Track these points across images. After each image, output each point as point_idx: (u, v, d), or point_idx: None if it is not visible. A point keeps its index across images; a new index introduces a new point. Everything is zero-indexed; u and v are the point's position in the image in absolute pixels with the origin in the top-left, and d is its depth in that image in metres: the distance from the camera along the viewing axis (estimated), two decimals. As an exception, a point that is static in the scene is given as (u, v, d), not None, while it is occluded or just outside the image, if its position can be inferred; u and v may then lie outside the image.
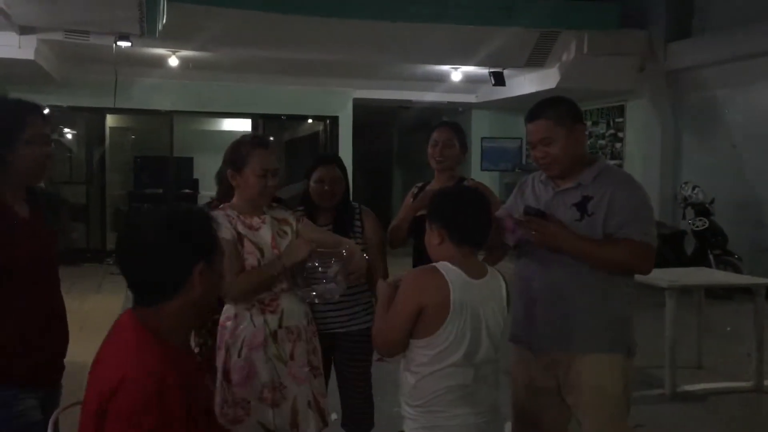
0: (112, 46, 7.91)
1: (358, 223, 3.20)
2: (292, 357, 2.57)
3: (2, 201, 2.15)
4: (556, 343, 2.48)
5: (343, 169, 3.23)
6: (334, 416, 3.45)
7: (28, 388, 2.09)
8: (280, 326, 2.55)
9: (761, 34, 7.90)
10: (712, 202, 8.47)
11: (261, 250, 2.55)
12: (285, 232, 2.65)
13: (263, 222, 2.60)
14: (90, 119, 11.29)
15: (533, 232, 2.40)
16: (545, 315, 2.49)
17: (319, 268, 2.53)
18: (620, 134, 10.67)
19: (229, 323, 2.57)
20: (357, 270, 2.64)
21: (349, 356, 3.18)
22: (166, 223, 1.61)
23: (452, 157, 3.39)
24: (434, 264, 2.14)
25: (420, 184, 3.58)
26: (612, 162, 10.73)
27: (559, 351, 2.48)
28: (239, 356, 2.52)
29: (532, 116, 2.51)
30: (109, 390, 1.46)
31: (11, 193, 2.17)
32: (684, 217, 8.69)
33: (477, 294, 2.11)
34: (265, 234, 2.58)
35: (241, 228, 2.55)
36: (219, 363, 2.57)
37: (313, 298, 2.60)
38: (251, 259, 2.54)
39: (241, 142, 2.64)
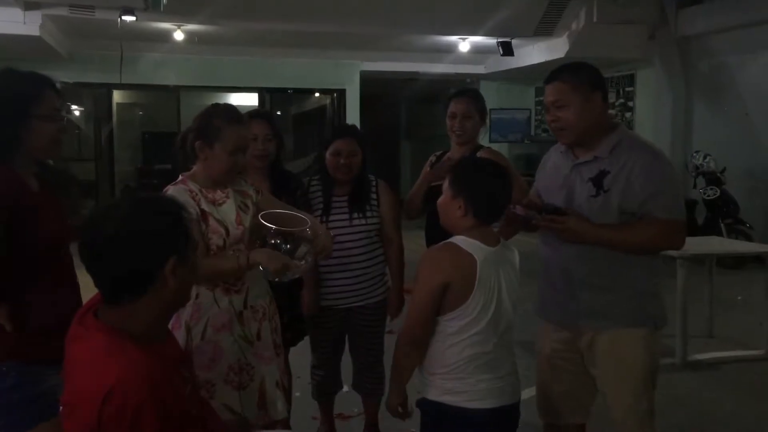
0: (117, 21, 7.86)
1: (374, 196, 3.18)
2: (258, 337, 2.48)
3: (21, 179, 2.13)
4: (578, 319, 2.45)
5: (362, 141, 3.17)
6: (346, 388, 3.49)
7: (56, 366, 2.10)
8: (245, 306, 2.46)
9: (775, -1, 7.77)
10: (723, 171, 8.40)
11: (226, 229, 2.41)
12: (247, 206, 2.52)
13: (227, 196, 2.46)
14: (97, 95, 11.26)
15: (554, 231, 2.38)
16: (567, 291, 2.45)
17: (285, 246, 2.37)
18: (630, 103, 10.56)
19: (189, 302, 2.36)
20: (324, 249, 2.53)
21: (366, 328, 3.20)
22: (133, 217, 1.50)
23: (471, 129, 3.33)
24: (449, 241, 2.14)
25: (438, 153, 3.52)
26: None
27: (581, 326, 2.45)
28: (202, 338, 2.40)
29: (549, 78, 2.44)
30: (99, 402, 1.38)
31: (23, 170, 2.16)
32: (695, 186, 8.63)
33: (496, 262, 2.14)
34: (229, 209, 2.45)
35: (204, 204, 2.39)
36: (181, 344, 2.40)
37: (275, 277, 2.41)
38: (216, 239, 2.39)
39: (214, 113, 2.46)
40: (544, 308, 2.59)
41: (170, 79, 10.81)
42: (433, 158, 3.50)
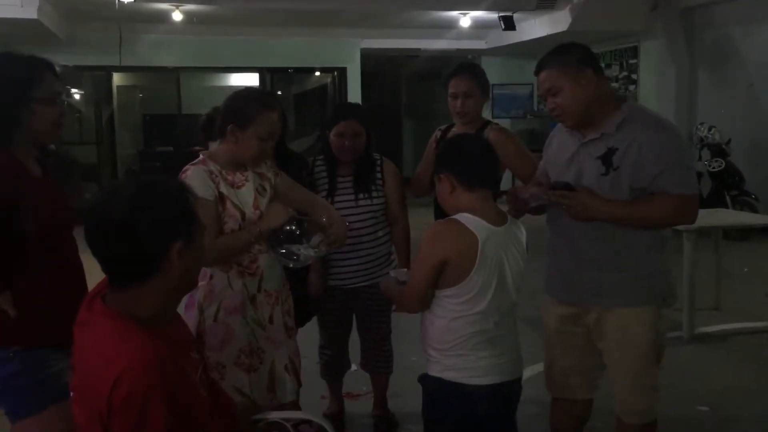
0: (115, 2, 7.79)
1: (378, 175, 3.16)
2: (270, 321, 2.48)
3: (22, 163, 2.11)
4: (586, 298, 2.44)
5: (365, 121, 3.12)
6: (354, 367, 3.50)
7: (61, 350, 2.10)
8: (259, 290, 2.46)
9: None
10: (728, 142, 8.35)
11: (242, 213, 2.41)
12: (265, 189, 2.52)
13: (246, 179, 2.45)
14: (97, 78, 11.20)
15: (563, 207, 2.34)
16: (575, 270, 2.45)
17: (297, 232, 2.42)
18: (634, 76, 10.48)
19: (203, 283, 2.43)
20: (338, 239, 2.54)
21: (373, 307, 3.20)
22: (137, 200, 1.48)
23: (474, 107, 3.18)
24: (453, 217, 2.12)
25: (443, 128, 3.43)
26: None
27: (589, 304, 2.45)
28: (215, 320, 2.41)
29: (538, 67, 2.41)
30: (108, 388, 1.38)
31: (24, 154, 2.14)
32: (700, 159, 8.58)
33: (500, 241, 2.12)
34: (248, 193, 2.44)
35: (223, 187, 2.39)
36: (191, 324, 2.42)
37: (290, 263, 2.48)
38: (231, 223, 2.39)
39: (248, 97, 2.46)
40: (551, 286, 2.59)
41: (170, 60, 10.74)
42: (438, 133, 3.44)
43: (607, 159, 2.32)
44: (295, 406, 2.61)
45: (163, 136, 11.68)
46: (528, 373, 2.79)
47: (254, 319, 2.46)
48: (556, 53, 2.40)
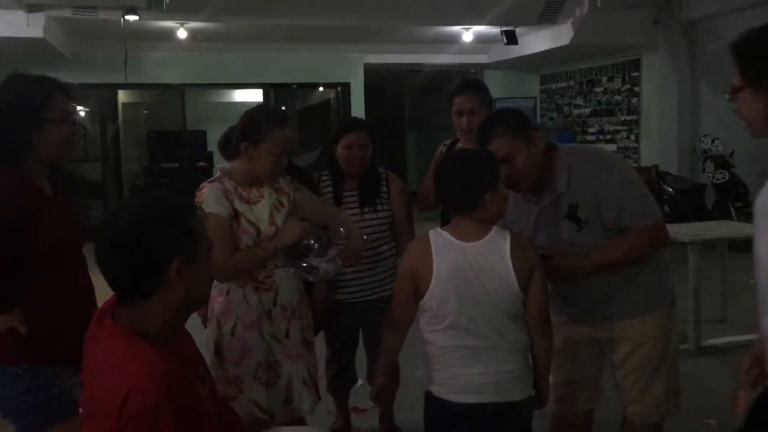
0: (120, 21, 7.86)
1: (384, 188, 3.18)
2: (287, 335, 2.51)
3: (35, 183, 2.14)
4: (595, 318, 2.47)
5: (372, 134, 3.17)
6: (361, 381, 3.50)
7: (70, 367, 2.11)
8: (274, 304, 2.49)
9: (780, -20, 7.70)
10: (732, 154, 8.35)
11: (257, 229, 2.45)
12: (282, 204, 2.55)
13: (262, 195, 2.50)
14: (102, 96, 11.28)
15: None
16: (574, 296, 2.49)
17: (316, 246, 2.47)
18: (636, 89, 10.50)
19: (220, 299, 2.49)
20: (355, 253, 2.61)
21: (379, 321, 3.18)
22: (138, 217, 1.51)
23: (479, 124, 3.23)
24: (426, 232, 2.17)
25: (448, 142, 3.46)
26: (628, 117, 10.61)
27: (599, 323, 2.47)
28: (232, 335, 2.45)
29: (482, 137, 2.33)
30: (118, 404, 1.39)
31: (36, 173, 2.17)
32: (704, 171, 8.59)
33: (467, 257, 2.08)
34: (263, 209, 2.49)
35: (238, 204, 2.44)
36: (210, 339, 2.51)
37: (308, 277, 2.55)
38: (246, 239, 2.44)
39: (260, 114, 2.52)
40: (557, 310, 2.54)
41: (174, 77, 10.82)
42: (443, 147, 3.46)
43: (573, 216, 2.34)
44: (302, 420, 2.62)
45: (168, 153, 11.73)
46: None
47: (270, 333, 2.50)
48: (500, 121, 2.35)
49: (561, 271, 2.31)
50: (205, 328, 2.63)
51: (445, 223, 3.27)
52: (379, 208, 3.13)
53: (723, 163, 8.36)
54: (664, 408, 2.49)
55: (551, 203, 2.37)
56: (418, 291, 2.12)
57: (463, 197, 2.11)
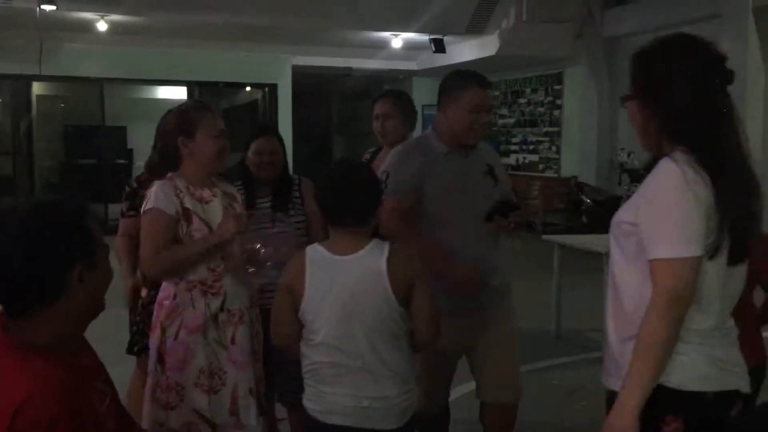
0: (36, 10, 7.53)
1: (297, 195, 3.13)
2: (233, 341, 2.44)
3: None
4: (472, 303, 2.60)
5: (281, 140, 3.14)
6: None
7: None
8: (221, 309, 2.43)
9: (695, 2, 8.08)
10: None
11: (210, 228, 2.41)
12: (234, 209, 2.52)
13: (214, 195, 2.47)
14: (15, 87, 10.79)
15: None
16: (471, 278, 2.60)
17: (262, 249, 2.44)
18: (558, 101, 10.80)
19: (167, 302, 2.43)
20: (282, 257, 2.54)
21: None
22: (27, 228, 1.39)
23: (394, 129, 3.33)
24: (308, 246, 2.10)
25: (371, 150, 3.53)
26: (550, 129, 10.90)
27: (474, 309, 2.62)
28: (176, 339, 2.39)
29: (485, 84, 2.65)
30: (8, 420, 1.30)
31: None
32: (620, 183, 8.90)
33: (340, 271, 1.99)
34: (215, 209, 2.45)
35: (189, 202, 2.40)
36: (153, 344, 2.44)
37: (251, 280, 2.49)
38: (199, 237, 2.40)
39: (184, 109, 2.53)
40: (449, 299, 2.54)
41: (94, 70, 10.43)
42: (367, 155, 3.50)
43: (492, 174, 2.71)
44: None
45: (86, 149, 11.31)
46: (454, 393, 2.81)
47: (216, 339, 2.42)
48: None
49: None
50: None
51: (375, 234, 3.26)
52: (291, 213, 3.08)
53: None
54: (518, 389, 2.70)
55: (476, 160, 2.69)
56: (296, 307, 2.02)
57: (348, 211, 2.01)
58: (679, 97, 1.62)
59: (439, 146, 2.62)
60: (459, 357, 2.74)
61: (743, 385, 1.66)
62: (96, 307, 1.53)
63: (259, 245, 2.44)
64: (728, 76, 1.64)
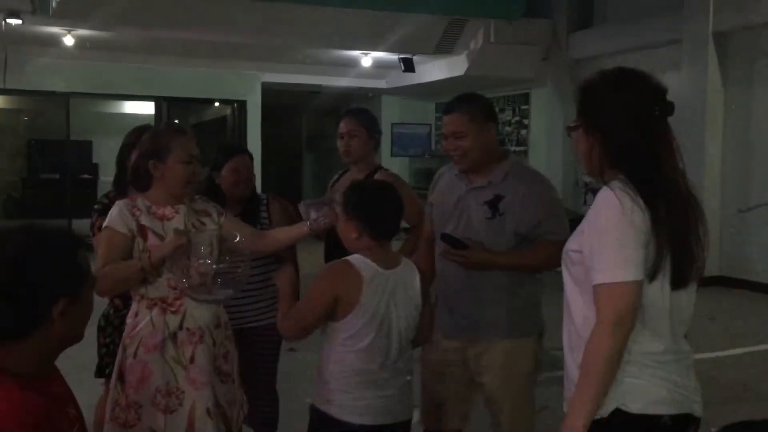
0: (1, 24, 7.43)
1: (264, 213, 3.13)
2: (192, 360, 2.42)
3: None
4: (472, 330, 2.57)
5: (253, 159, 3.20)
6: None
7: None
8: (180, 327, 2.42)
9: (659, 26, 8.31)
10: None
11: None
12: (203, 224, 2.52)
13: (176, 212, 2.47)
14: (-24, 100, 10.63)
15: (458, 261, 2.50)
16: (459, 305, 2.59)
17: (213, 266, 2.39)
18: (525, 121, 10.96)
19: (129, 321, 2.45)
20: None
21: (258, 350, 3.11)
22: (19, 255, 1.37)
23: (358, 148, 3.27)
24: (348, 258, 2.21)
25: (338, 174, 3.49)
26: (518, 148, 11.03)
27: (474, 337, 2.57)
28: (135, 357, 2.38)
29: (448, 109, 2.59)
30: None
31: None
32: (585, 203, 9.05)
33: (388, 284, 2.19)
34: (177, 224, 2.45)
35: (145, 220, 2.41)
36: (117, 362, 2.44)
37: (199, 298, 2.43)
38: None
39: (158, 131, 2.56)
40: (440, 321, 2.63)
41: (59, 85, 10.29)
42: (335, 177, 3.48)
43: (494, 205, 2.52)
44: None
45: (50, 163, 11.14)
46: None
47: (174, 358, 2.40)
48: (467, 101, 2.59)
49: (479, 262, 2.48)
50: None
51: (329, 248, 3.23)
52: None
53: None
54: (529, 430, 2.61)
55: (480, 188, 2.55)
56: (335, 313, 2.16)
57: (397, 226, 2.27)
58: (620, 127, 1.72)
59: (455, 168, 2.67)
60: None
61: (697, 408, 1.72)
62: (73, 339, 1.52)
63: (210, 261, 2.39)
64: (668, 108, 1.73)
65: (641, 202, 1.64)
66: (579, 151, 1.84)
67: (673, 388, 1.68)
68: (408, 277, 2.26)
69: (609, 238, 1.64)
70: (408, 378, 2.29)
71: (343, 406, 2.17)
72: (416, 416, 2.43)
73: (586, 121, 1.80)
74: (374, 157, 3.44)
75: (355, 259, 2.19)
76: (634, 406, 1.65)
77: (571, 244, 1.78)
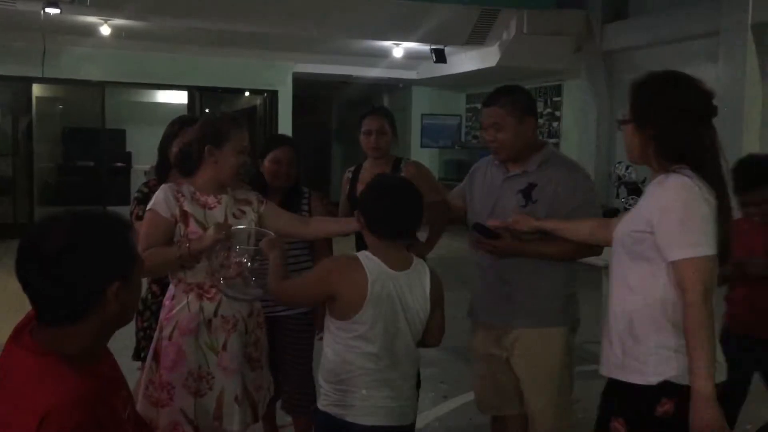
0: (40, 13, 7.56)
1: (305, 207, 3.17)
2: (224, 347, 2.47)
3: None
4: (504, 319, 2.63)
5: (298, 152, 3.21)
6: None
7: None
8: (215, 314, 2.46)
9: (696, 17, 8.14)
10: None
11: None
12: (243, 212, 2.56)
13: (219, 201, 2.52)
14: (15, 89, 10.80)
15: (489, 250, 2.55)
16: (494, 294, 2.64)
17: (248, 264, 2.36)
18: (557, 113, 10.86)
19: (167, 303, 2.51)
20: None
21: (292, 339, 3.15)
22: (75, 239, 1.40)
23: (386, 145, 3.35)
24: (355, 254, 2.19)
25: (353, 168, 3.53)
26: (550, 140, 10.94)
27: (506, 326, 2.62)
28: (170, 339, 2.45)
29: (487, 101, 2.63)
30: (35, 426, 1.30)
31: None
32: (617, 196, 8.94)
33: (397, 286, 2.14)
34: (218, 215, 2.49)
35: (189, 206, 2.46)
36: (153, 342, 2.51)
37: (228, 293, 2.41)
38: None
39: (218, 118, 2.62)
40: (478, 310, 2.74)
41: (95, 74, 10.46)
42: (348, 174, 3.50)
43: (527, 193, 2.57)
44: None
45: (85, 151, 11.32)
46: (453, 404, 2.82)
47: (207, 343, 2.46)
48: (508, 93, 2.63)
49: (507, 251, 2.53)
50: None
51: (360, 242, 3.26)
52: None
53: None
54: (559, 422, 2.61)
55: (515, 176, 2.61)
56: (335, 310, 2.14)
57: (404, 227, 2.19)
58: (678, 125, 1.90)
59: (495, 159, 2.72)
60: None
61: (718, 377, 1.88)
62: (125, 320, 1.56)
63: (245, 260, 2.37)
64: (715, 110, 1.92)
65: (709, 188, 1.85)
66: (627, 145, 2.00)
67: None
68: (418, 279, 2.19)
69: (691, 216, 1.82)
70: (413, 381, 2.25)
71: (349, 406, 2.13)
72: (451, 404, 2.42)
73: (640, 118, 1.95)
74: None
75: (363, 256, 2.15)
76: (676, 375, 1.85)
77: (634, 225, 1.94)
